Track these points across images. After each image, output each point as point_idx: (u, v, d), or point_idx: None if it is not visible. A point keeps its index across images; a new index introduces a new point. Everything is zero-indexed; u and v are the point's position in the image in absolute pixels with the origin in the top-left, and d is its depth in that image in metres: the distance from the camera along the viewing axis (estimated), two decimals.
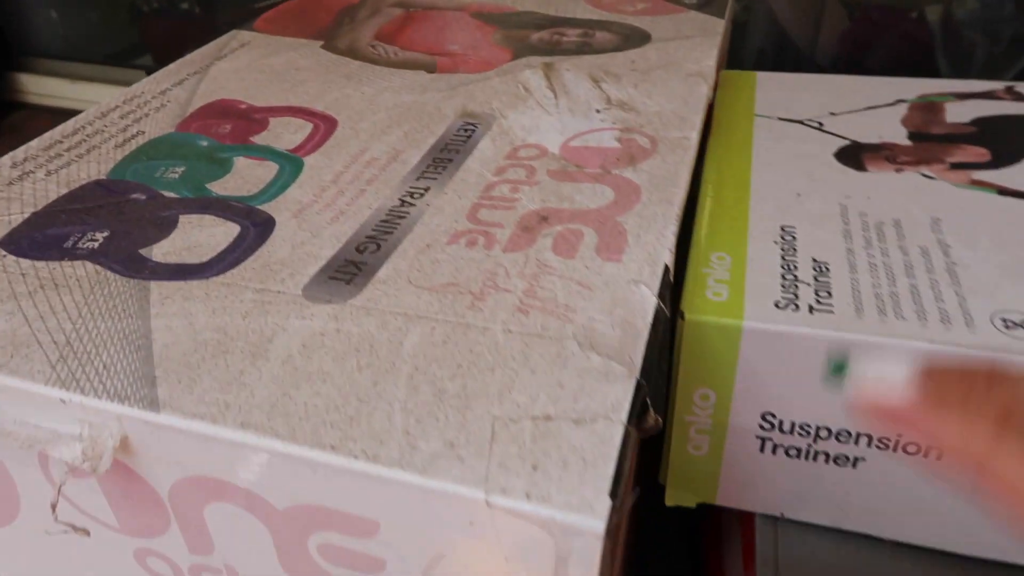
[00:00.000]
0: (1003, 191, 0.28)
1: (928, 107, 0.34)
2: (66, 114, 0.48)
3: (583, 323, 0.19)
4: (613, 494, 0.15)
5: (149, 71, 0.75)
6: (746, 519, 0.27)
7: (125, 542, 0.20)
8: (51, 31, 0.84)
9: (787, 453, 0.24)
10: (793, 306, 0.23)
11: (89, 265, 0.21)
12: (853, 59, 0.73)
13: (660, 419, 0.18)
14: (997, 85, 0.36)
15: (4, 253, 0.22)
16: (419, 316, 0.19)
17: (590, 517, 0.14)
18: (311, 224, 0.23)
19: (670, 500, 0.26)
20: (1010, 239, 0.25)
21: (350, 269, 0.21)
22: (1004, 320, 0.22)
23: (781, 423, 0.23)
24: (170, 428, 0.16)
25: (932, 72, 0.67)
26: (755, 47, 0.77)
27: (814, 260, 0.25)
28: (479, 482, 0.15)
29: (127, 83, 0.78)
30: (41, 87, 0.81)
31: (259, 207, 0.24)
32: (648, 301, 0.20)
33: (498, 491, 0.15)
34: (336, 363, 0.18)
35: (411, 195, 0.25)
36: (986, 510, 0.20)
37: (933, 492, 0.23)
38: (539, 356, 0.18)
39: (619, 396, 0.17)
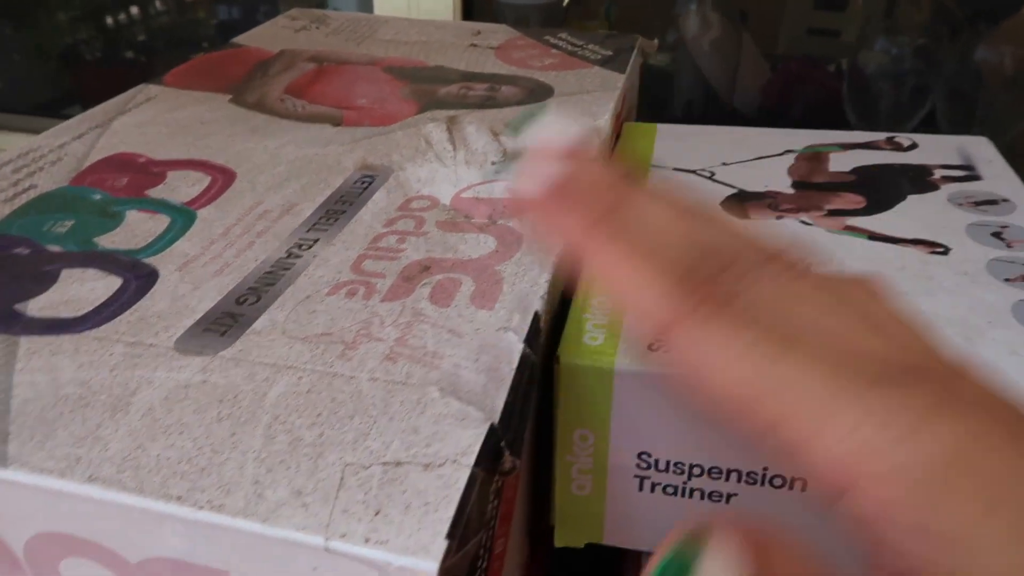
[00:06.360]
0: (872, 236, 0.29)
1: (813, 157, 0.36)
2: None
3: (448, 370, 0.20)
4: (451, 536, 0.15)
5: None
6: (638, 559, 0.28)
7: None
8: None
9: (664, 491, 0.25)
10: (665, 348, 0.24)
11: None
12: (774, 110, 0.76)
13: (516, 461, 0.18)
14: (879, 136, 0.38)
15: None
16: (288, 366, 0.20)
17: (424, 559, 0.14)
18: (194, 277, 0.24)
19: (559, 541, 0.26)
20: None
21: (226, 321, 0.22)
22: None
23: (656, 461, 0.24)
24: (17, 484, 0.16)
25: (845, 122, 0.70)
26: (684, 99, 0.80)
27: None
28: (320, 529, 0.15)
29: None
30: None
31: (144, 260, 0.24)
32: (515, 347, 0.21)
33: (338, 537, 0.15)
34: (197, 415, 0.18)
35: (299, 247, 0.25)
36: (850, 537, 0.21)
37: (802, 523, 0.24)
38: (399, 403, 0.18)
39: (470, 440, 0.17)
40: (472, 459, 0.17)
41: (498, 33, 0.46)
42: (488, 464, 0.17)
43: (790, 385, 0.12)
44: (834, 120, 0.70)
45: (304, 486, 0.16)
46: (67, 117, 0.34)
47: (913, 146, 0.37)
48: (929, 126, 0.64)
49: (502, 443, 0.18)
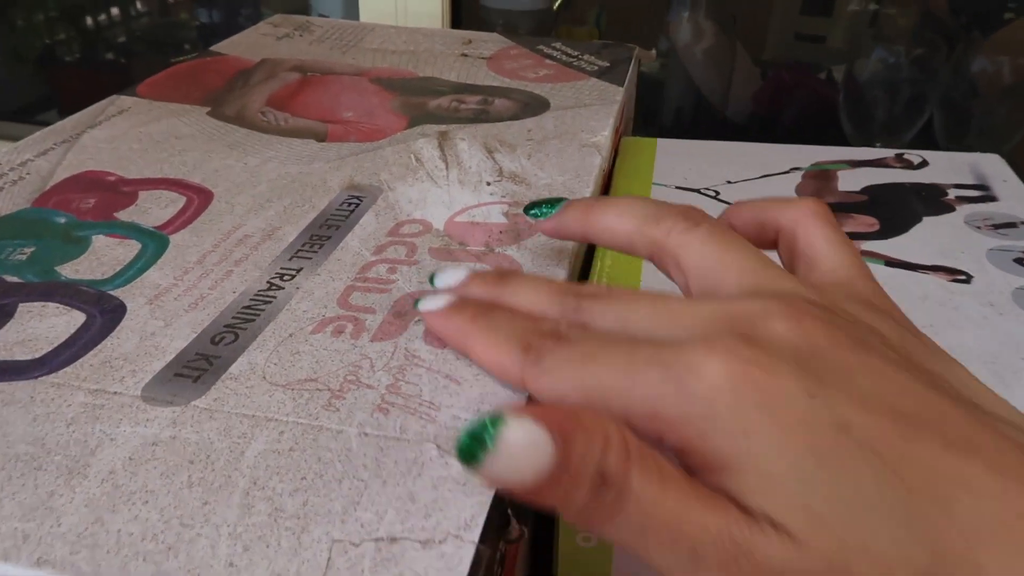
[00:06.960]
0: (890, 262, 0.28)
1: (822, 175, 0.34)
2: None
3: (446, 422, 0.18)
4: None
5: None
6: None
7: None
8: None
9: None
10: None
11: None
12: (765, 119, 0.75)
13: (525, 529, 0.16)
14: (888, 153, 0.37)
15: None
16: (268, 419, 0.18)
17: None
18: (166, 312, 0.22)
19: None
20: None
21: (200, 364, 0.19)
22: None
23: None
24: None
25: (838, 131, 0.69)
26: (673, 107, 0.78)
27: None
28: None
29: None
30: None
31: (111, 292, 0.22)
32: (519, 394, 0.19)
33: None
34: (164, 479, 0.16)
35: (281, 277, 0.23)
36: None
37: None
38: (393, 463, 0.17)
39: (474, 511, 0.15)
40: (476, 534, 0.15)
41: (490, 42, 0.44)
42: (493, 534, 0.15)
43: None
44: (828, 129, 0.69)
45: (286, 568, 0.14)
46: (44, 123, 0.32)
47: (924, 163, 0.35)
48: (926, 137, 0.63)
49: (508, 510, 0.16)
